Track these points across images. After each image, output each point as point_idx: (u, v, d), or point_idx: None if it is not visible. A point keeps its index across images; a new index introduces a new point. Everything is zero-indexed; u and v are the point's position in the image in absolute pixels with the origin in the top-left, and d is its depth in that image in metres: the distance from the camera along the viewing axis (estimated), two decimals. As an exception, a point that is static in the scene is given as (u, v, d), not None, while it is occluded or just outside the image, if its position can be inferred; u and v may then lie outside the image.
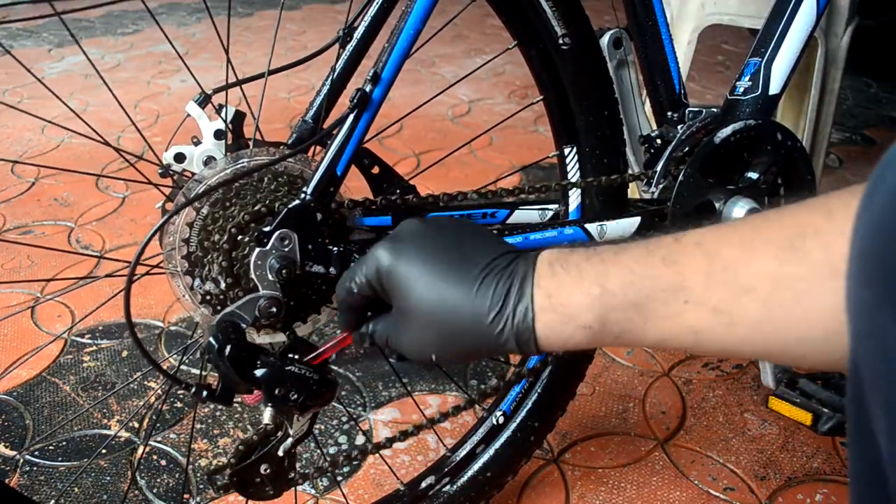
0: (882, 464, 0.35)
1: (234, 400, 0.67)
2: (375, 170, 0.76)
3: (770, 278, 0.42)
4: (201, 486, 1.12)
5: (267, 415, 0.67)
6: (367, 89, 0.70)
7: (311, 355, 0.68)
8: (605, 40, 0.96)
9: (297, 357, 0.67)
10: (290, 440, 0.69)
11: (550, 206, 0.88)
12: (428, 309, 0.53)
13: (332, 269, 0.69)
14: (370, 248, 0.57)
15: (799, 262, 0.41)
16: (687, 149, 0.91)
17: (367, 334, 0.61)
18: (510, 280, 0.51)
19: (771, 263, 0.42)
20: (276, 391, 0.65)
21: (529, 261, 0.52)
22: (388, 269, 0.55)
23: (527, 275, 0.51)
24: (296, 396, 0.65)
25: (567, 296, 0.49)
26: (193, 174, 0.71)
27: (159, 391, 1.31)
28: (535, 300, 0.50)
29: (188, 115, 0.74)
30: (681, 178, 0.87)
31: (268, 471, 0.68)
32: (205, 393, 0.65)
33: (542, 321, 0.50)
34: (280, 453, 0.69)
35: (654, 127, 0.99)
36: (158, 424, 1.23)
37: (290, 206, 0.67)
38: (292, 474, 0.71)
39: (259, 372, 0.64)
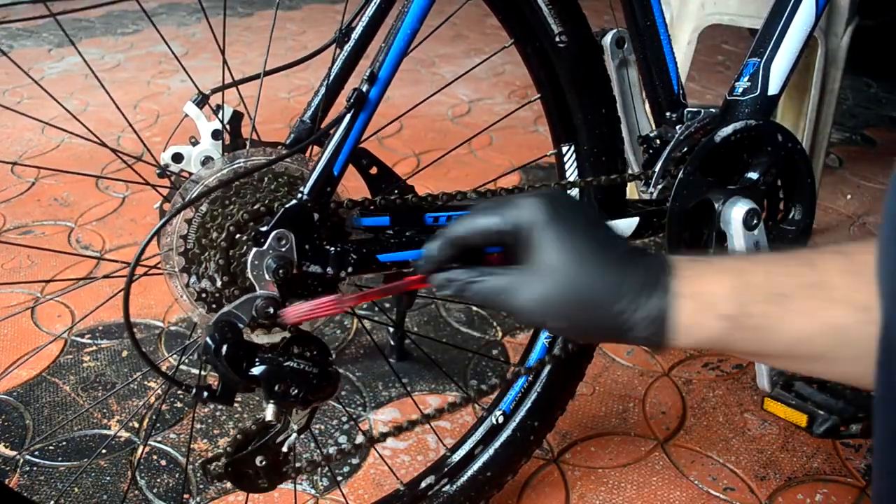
0: None
1: (235, 399, 0.67)
2: (373, 170, 0.76)
3: None
4: (201, 486, 1.12)
5: (269, 411, 0.67)
6: (364, 89, 0.70)
7: (372, 291, 0.64)
8: (607, 39, 0.96)
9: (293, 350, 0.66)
10: (291, 435, 0.68)
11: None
12: (565, 282, 0.51)
13: (329, 269, 0.69)
14: (514, 197, 0.54)
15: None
16: (686, 149, 0.91)
17: (460, 283, 0.55)
18: (651, 268, 0.50)
19: None
20: (277, 387, 0.64)
21: (664, 255, 0.52)
22: (545, 222, 0.52)
23: (665, 265, 0.50)
24: (296, 391, 0.65)
25: (707, 284, 0.48)
26: (191, 174, 0.71)
27: (159, 391, 1.31)
28: (671, 288, 0.49)
29: (186, 116, 0.75)
30: (680, 177, 0.87)
31: (263, 463, 0.68)
32: (205, 394, 0.64)
33: (678, 308, 0.49)
34: (285, 448, 0.69)
35: (654, 127, 0.99)
36: (158, 424, 1.23)
37: (287, 206, 0.67)
38: (287, 468, 0.71)
39: (257, 369, 0.64)
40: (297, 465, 0.75)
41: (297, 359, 0.66)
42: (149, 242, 0.59)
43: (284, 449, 0.69)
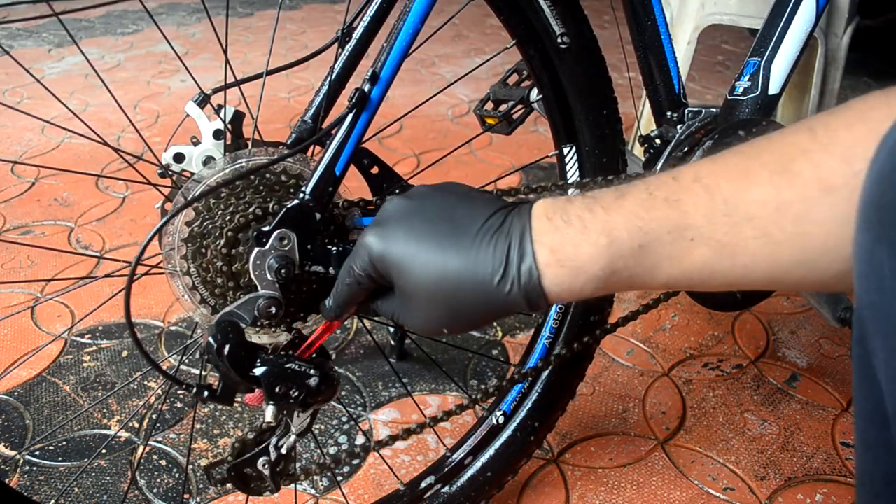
0: (884, 403, 0.37)
1: (236, 399, 0.67)
2: (374, 169, 0.76)
3: (768, 205, 0.43)
4: (201, 486, 1.12)
5: (269, 413, 0.67)
6: (366, 89, 0.69)
7: (302, 347, 0.68)
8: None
9: (293, 352, 0.67)
10: (291, 437, 0.68)
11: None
12: (430, 285, 0.52)
13: (331, 269, 0.69)
14: (358, 238, 0.56)
15: (792, 183, 0.42)
16: (687, 148, 0.91)
17: (370, 311, 0.60)
18: (508, 239, 0.50)
19: (767, 190, 0.43)
20: (277, 389, 0.64)
21: (524, 216, 0.51)
22: (379, 255, 0.53)
23: (525, 231, 0.50)
24: (297, 394, 0.65)
25: (574, 249, 0.49)
26: (192, 174, 0.71)
27: (159, 391, 1.31)
28: (538, 257, 0.49)
29: (187, 116, 0.74)
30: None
31: (266, 466, 0.68)
32: (206, 393, 0.64)
33: (549, 277, 0.49)
34: (283, 450, 0.69)
35: (654, 126, 0.99)
36: (158, 424, 1.23)
37: (289, 205, 0.67)
38: (292, 470, 0.71)
39: (259, 370, 0.64)
40: (302, 465, 0.75)
41: (298, 361, 0.66)
42: (150, 241, 0.59)
43: (283, 451, 0.69)
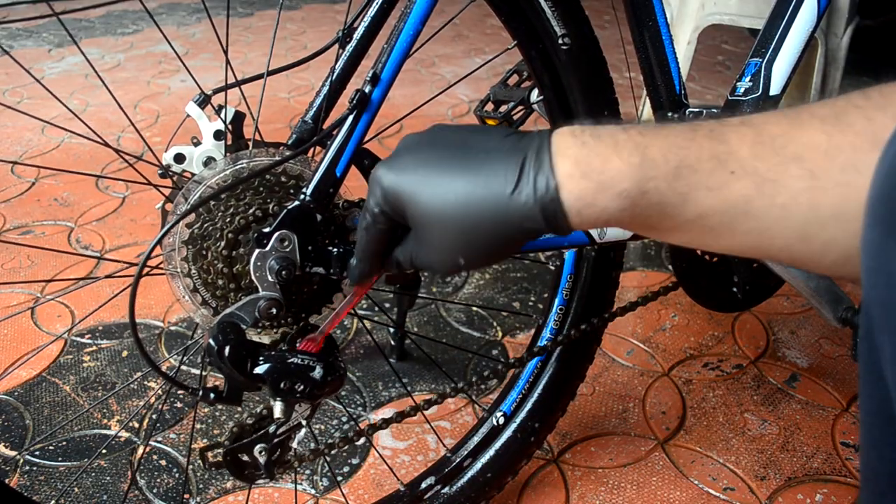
0: (890, 401, 0.37)
1: (242, 399, 0.67)
2: (375, 170, 0.76)
3: (818, 148, 0.42)
4: (201, 486, 1.12)
5: (277, 409, 0.66)
6: (367, 90, 0.69)
7: (331, 317, 0.67)
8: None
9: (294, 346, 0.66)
10: (290, 426, 0.68)
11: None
12: (441, 209, 0.49)
13: (331, 270, 0.69)
14: (371, 173, 0.54)
15: (844, 132, 0.41)
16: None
17: (392, 264, 0.58)
18: (523, 152, 0.47)
19: (818, 135, 0.42)
20: (282, 385, 0.64)
21: (544, 134, 0.48)
22: (390, 185, 0.51)
23: (542, 145, 0.47)
24: (302, 387, 0.65)
25: (602, 162, 0.45)
26: (193, 175, 0.71)
27: (159, 391, 1.31)
28: (557, 168, 0.46)
29: (188, 116, 0.74)
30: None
31: (263, 453, 0.68)
32: (212, 395, 0.64)
33: (569, 189, 0.46)
34: (295, 444, 0.69)
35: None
36: (158, 424, 1.23)
37: (290, 207, 0.67)
38: (288, 457, 0.71)
39: (262, 368, 0.64)
40: (296, 452, 0.75)
41: (301, 354, 0.65)
42: (159, 241, 0.59)
43: (295, 444, 0.69)
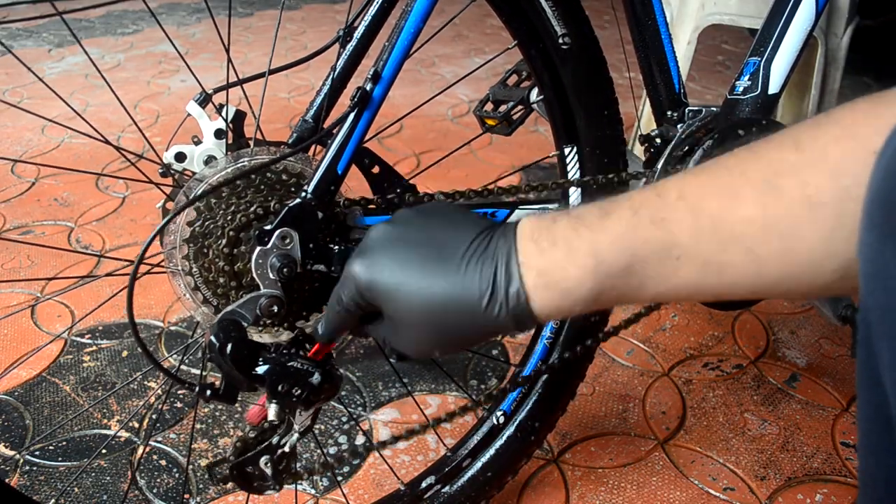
0: (888, 407, 0.37)
1: (238, 398, 0.67)
2: (375, 169, 0.76)
3: (754, 223, 0.43)
4: (201, 486, 1.12)
5: (272, 411, 0.67)
6: (368, 88, 0.70)
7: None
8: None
9: (297, 351, 0.66)
10: (293, 435, 0.68)
11: (550, 206, 0.89)
12: (419, 312, 0.52)
13: (333, 268, 0.69)
14: (345, 267, 0.56)
15: (778, 202, 0.42)
16: (687, 148, 0.92)
17: (363, 334, 0.62)
18: (494, 262, 0.51)
19: (753, 209, 0.43)
20: (280, 387, 0.65)
21: (509, 237, 0.51)
22: (366, 284, 0.54)
23: (511, 254, 0.50)
24: (299, 392, 0.65)
25: (561, 272, 0.49)
26: (194, 173, 0.71)
27: (159, 391, 1.31)
28: (525, 280, 0.50)
29: (189, 115, 0.74)
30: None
31: (268, 464, 0.68)
32: (208, 392, 0.64)
33: (537, 299, 0.50)
34: (287, 448, 0.69)
35: (654, 125, 0.99)
36: (158, 424, 1.23)
37: (291, 204, 0.67)
38: (294, 467, 0.71)
39: (261, 369, 0.64)
40: (304, 464, 0.75)
41: (301, 359, 0.66)
42: (151, 242, 0.59)
43: (286, 449, 0.69)
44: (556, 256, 0.49)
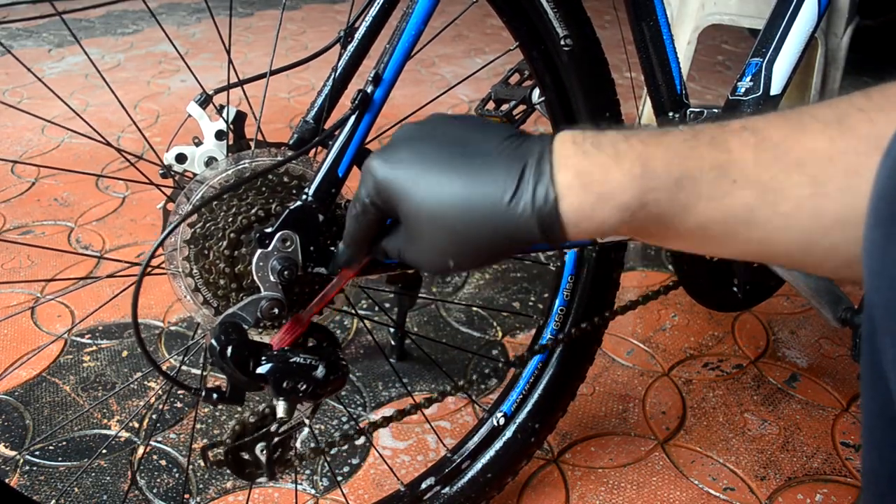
0: (891, 403, 0.36)
1: (245, 399, 0.67)
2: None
3: (821, 154, 0.41)
4: (201, 486, 1.12)
5: (280, 408, 0.66)
6: (369, 90, 0.69)
7: (315, 300, 0.67)
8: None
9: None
10: (291, 425, 0.68)
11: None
12: (434, 208, 0.48)
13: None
14: (364, 163, 0.52)
15: (847, 137, 0.40)
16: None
17: (379, 253, 0.57)
18: (524, 159, 0.46)
19: (821, 140, 0.41)
20: (285, 384, 0.64)
21: (545, 140, 0.47)
22: (383, 178, 0.50)
23: (543, 153, 0.46)
24: (304, 386, 0.65)
25: (602, 173, 0.44)
26: (195, 175, 0.71)
27: (159, 391, 1.31)
28: (556, 179, 0.45)
29: (189, 116, 0.74)
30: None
31: (264, 452, 0.68)
32: (215, 395, 0.64)
33: (568, 201, 0.45)
34: (298, 444, 0.68)
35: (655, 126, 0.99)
36: (158, 424, 1.22)
37: (292, 207, 0.67)
38: (289, 456, 0.71)
39: (264, 368, 0.64)
40: (297, 451, 0.75)
41: (304, 353, 0.65)
42: (163, 241, 0.59)
43: (298, 444, 0.69)
44: (599, 158, 0.45)
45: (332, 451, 1.18)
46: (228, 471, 0.69)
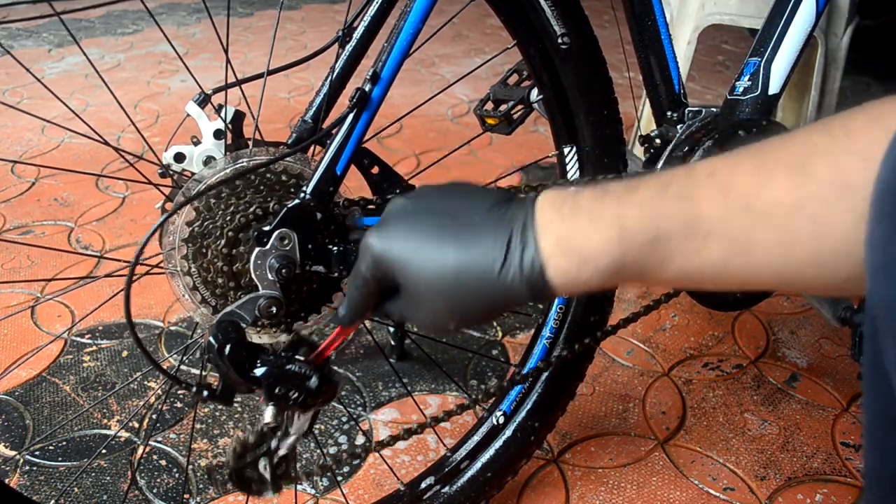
0: (893, 403, 0.37)
1: (235, 399, 0.67)
2: (375, 169, 0.76)
3: (784, 203, 0.42)
4: (201, 486, 1.12)
5: (268, 413, 0.67)
6: (367, 89, 0.70)
7: (316, 352, 0.67)
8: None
9: (296, 355, 0.66)
10: (290, 438, 0.68)
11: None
12: (431, 280, 0.51)
13: (332, 269, 0.69)
14: (362, 241, 0.55)
15: (809, 184, 0.41)
16: (687, 148, 0.91)
17: (382, 315, 0.60)
18: (510, 228, 0.49)
19: (784, 189, 0.42)
20: (277, 390, 0.64)
21: (528, 205, 0.50)
22: (381, 254, 0.53)
23: (527, 221, 0.49)
24: (296, 395, 0.65)
25: (582, 239, 0.47)
26: (193, 174, 0.71)
27: (159, 391, 1.31)
28: (541, 247, 0.48)
29: (188, 115, 0.74)
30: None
31: (267, 468, 0.68)
32: (205, 392, 0.64)
33: (554, 267, 0.48)
34: (282, 451, 0.69)
35: (654, 126, 0.99)
36: (158, 424, 1.23)
37: (290, 205, 0.67)
38: (293, 472, 0.71)
39: (259, 371, 0.64)
40: (303, 466, 0.75)
41: (299, 363, 0.66)
42: (148, 239, 0.59)
43: (282, 452, 0.69)
44: (578, 223, 0.47)
45: (332, 441, 1.18)
46: (236, 490, 0.69)
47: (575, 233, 0.47)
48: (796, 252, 0.43)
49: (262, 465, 0.68)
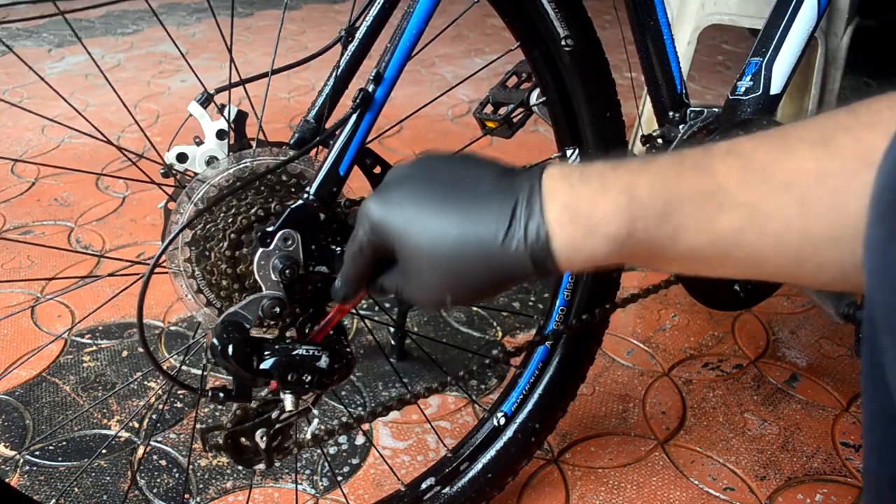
0: (891, 405, 0.36)
1: (252, 396, 0.67)
2: (377, 170, 0.76)
3: (807, 174, 0.41)
4: (201, 486, 1.11)
5: (288, 402, 0.66)
6: (370, 89, 0.70)
7: (315, 331, 0.67)
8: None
9: (295, 339, 0.66)
10: (314, 420, 0.69)
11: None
12: (430, 248, 0.49)
13: (335, 270, 0.69)
14: (360, 206, 0.54)
15: (833, 156, 0.40)
16: (688, 149, 0.92)
17: (377, 289, 0.58)
18: (514, 196, 0.47)
19: (807, 160, 0.41)
20: (289, 377, 0.64)
21: (534, 176, 0.48)
22: (379, 220, 0.51)
23: (533, 190, 0.47)
24: (309, 378, 0.65)
25: (589, 205, 0.45)
26: (196, 174, 0.71)
27: (159, 391, 1.31)
28: (547, 215, 0.46)
29: (190, 115, 0.74)
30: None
31: (264, 438, 0.68)
32: (221, 395, 0.64)
33: (559, 236, 0.46)
34: (308, 436, 0.68)
35: (656, 125, 0.99)
36: (158, 424, 1.22)
37: (293, 206, 0.67)
38: (288, 443, 0.71)
39: (267, 363, 0.64)
40: (296, 439, 0.74)
41: (305, 345, 0.65)
42: (173, 240, 0.59)
43: (308, 436, 0.69)
44: (587, 191, 0.45)
45: (332, 441, 1.18)
46: (226, 455, 0.68)
47: (582, 199, 0.45)
48: (816, 225, 0.41)
49: (260, 434, 0.68)
